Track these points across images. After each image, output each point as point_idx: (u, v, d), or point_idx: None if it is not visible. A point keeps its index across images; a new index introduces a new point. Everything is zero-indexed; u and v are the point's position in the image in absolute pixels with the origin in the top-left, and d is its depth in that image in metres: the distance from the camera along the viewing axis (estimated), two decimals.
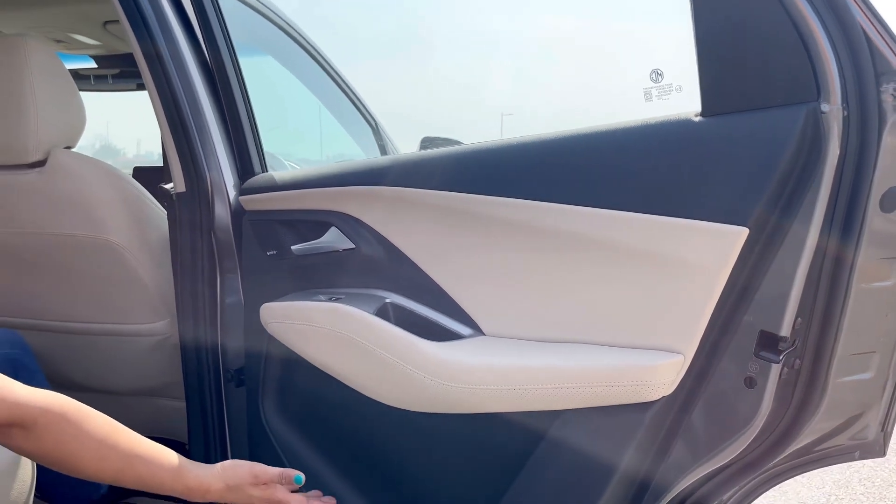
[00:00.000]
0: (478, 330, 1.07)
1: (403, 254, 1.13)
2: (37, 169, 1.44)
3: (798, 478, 1.58)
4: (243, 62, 2.24)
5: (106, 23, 2.07)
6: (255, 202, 1.31)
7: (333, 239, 1.20)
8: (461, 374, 0.99)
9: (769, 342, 0.84)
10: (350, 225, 1.18)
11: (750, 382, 0.85)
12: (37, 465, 1.28)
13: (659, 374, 0.87)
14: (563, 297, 0.96)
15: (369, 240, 1.16)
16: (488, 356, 0.98)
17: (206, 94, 1.41)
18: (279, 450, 1.32)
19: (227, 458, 1.44)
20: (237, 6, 1.90)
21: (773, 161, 0.78)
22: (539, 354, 0.95)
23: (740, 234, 0.80)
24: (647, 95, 0.91)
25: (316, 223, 1.23)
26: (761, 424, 0.86)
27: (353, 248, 1.18)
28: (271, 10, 2.00)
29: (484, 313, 1.05)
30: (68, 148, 1.51)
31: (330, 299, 1.18)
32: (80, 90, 1.80)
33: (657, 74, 0.91)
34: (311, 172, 1.27)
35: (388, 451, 1.24)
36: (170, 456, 0.97)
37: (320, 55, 2.21)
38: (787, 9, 0.76)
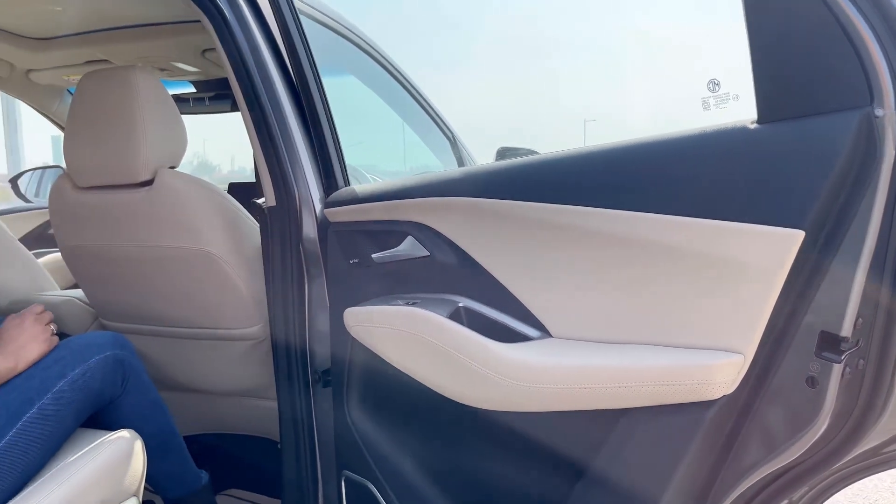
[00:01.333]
0: (546, 332, 1.12)
1: (475, 260, 1.19)
2: (145, 188, 1.59)
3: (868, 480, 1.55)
4: (328, 82, 2.37)
5: (204, 51, 2.24)
6: (338, 214, 1.40)
7: (410, 247, 1.28)
8: (528, 374, 1.04)
9: (830, 342, 0.85)
10: (425, 234, 1.25)
11: (812, 382, 0.87)
12: (147, 456, 1.41)
13: (719, 372, 0.90)
14: (627, 301, 1.00)
15: (443, 248, 1.23)
16: (553, 356, 1.03)
17: (293, 115, 1.52)
18: (363, 448, 1.40)
19: (315, 456, 1.54)
20: (321, 30, 2.03)
21: (828, 166, 0.80)
22: (602, 355, 0.99)
23: (797, 236, 0.83)
24: (705, 105, 0.94)
25: (394, 233, 1.31)
26: (825, 425, 0.87)
27: (428, 256, 1.25)
28: (353, 33, 2.11)
29: (551, 316, 1.10)
30: (172, 168, 1.65)
31: (407, 304, 1.25)
32: (182, 113, 1.96)
33: (714, 84, 0.94)
34: (389, 185, 1.35)
35: (464, 447, 1.30)
36: None
37: (400, 73, 2.31)
38: (836, 16, 0.79)
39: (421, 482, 1.34)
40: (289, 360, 1.53)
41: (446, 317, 1.18)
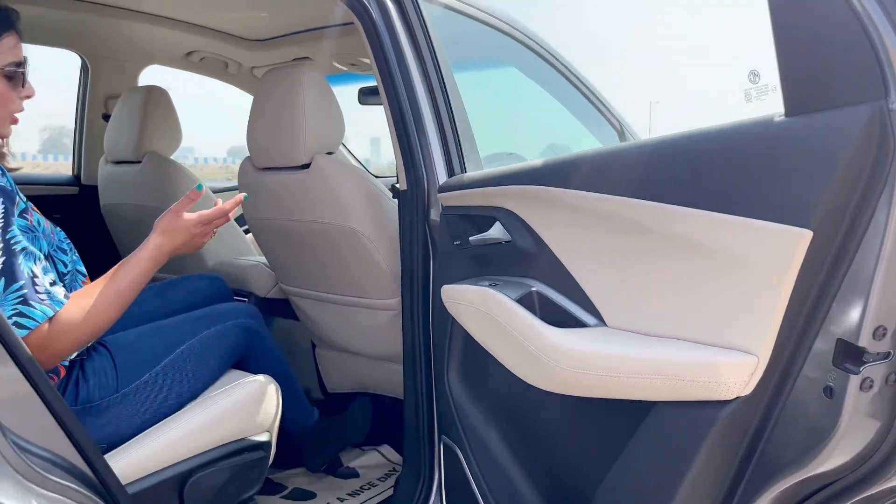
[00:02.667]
0: (602, 321, 1.14)
1: (548, 247, 1.24)
2: (304, 170, 1.83)
3: None
4: (489, 74, 2.49)
5: None
6: (446, 199, 1.52)
7: (497, 232, 1.36)
8: (568, 358, 1.08)
9: (849, 352, 0.79)
10: (509, 220, 1.33)
11: (829, 392, 0.81)
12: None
13: (730, 372, 0.87)
14: (659, 294, 0.99)
15: (523, 233, 1.30)
16: (591, 344, 1.06)
17: (428, 109, 1.65)
18: (456, 416, 1.51)
19: (433, 415, 1.67)
20: (480, 28, 2.14)
21: (834, 161, 0.74)
22: (631, 346, 1.00)
23: (804, 236, 0.78)
24: (747, 96, 0.90)
25: (487, 218, 1.39)
26: (843, 438, 0.81)
27: (510, 241, 1.32)
28: (513, 27, 2.19)
29: (607, 306, 1.12)
30: (329, 153, 1.88)
31: (490, 285, 1.34)
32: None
33: (754, 75, 0.89)
34: (488, 173, 1.44)
35: (541, 427, 1.36)
36: (129, 259, 1.34)
37: (564, 66, 2.34)
38: (853, 8, 0.72)
39: (503, 456, 1.42)
40: (412, 332, 1.68)
41: (518, 299, 1.25)
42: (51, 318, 1.21)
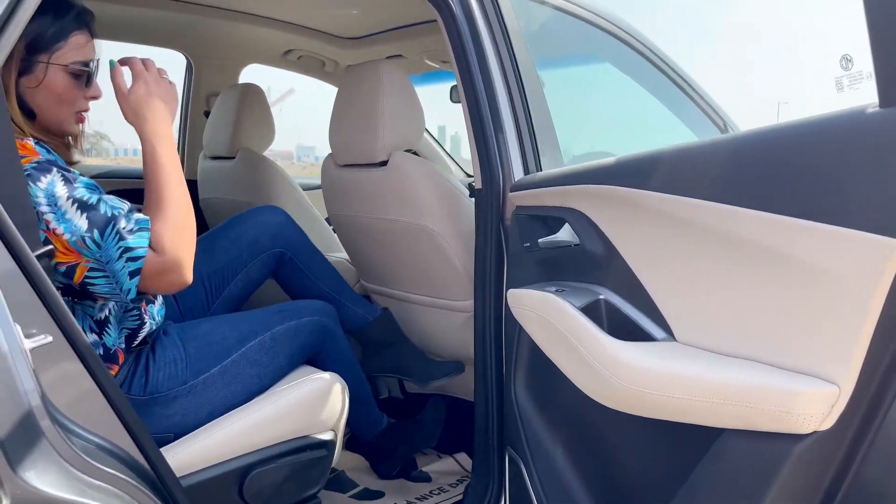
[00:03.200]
0: (671, 335, 1.04)
1: (618, 252, 1.15)
2: (381, 167, 1.81)
3: None
4: (582, 71, 2.39)
5: None
6: (518, 198, 1.45)
7: (566, 234, 1.28)
8: (629, 374, 0.98)
9: None
10: (579, 221, 1.24)
11: None
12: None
13: (806, 402, 0.75)
14: (731, 307, 0.88)
15: (593, 237, 1.21)
16: (656, 360, 0.96)
17: (507, 107, 1.59)
18: (521, 426, 1.44)
19: (503, 422, 1.60)
20: (572, 22, 2.04)
21: None
22: (693, 364, 0.89)
23: (894, 247, 0.66)
24: (839, 85, 0.78)
25: (558, 219, 1.31)
26: None
27: (579, 244, 1.24)
28: (605, 20, 2.08)
29: (677, 320, 1.02)
30: (408, 151, 1.85)
31: (557, 290, 1.26)
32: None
33: (847, 61, 0.77)
34: (560, 171, 1.35)
35: (597, 438, 1.26)
36: (148, 166, 1.29)
37: (664, 61, 2.21)
38: None
39: (567, 472, 1.34)
40: (484, 336, 1.62)
41: (583, 307, 1.17)
42: (150, 247, 1.21)
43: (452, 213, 1.79)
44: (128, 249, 1.18)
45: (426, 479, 2.05)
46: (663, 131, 2.44)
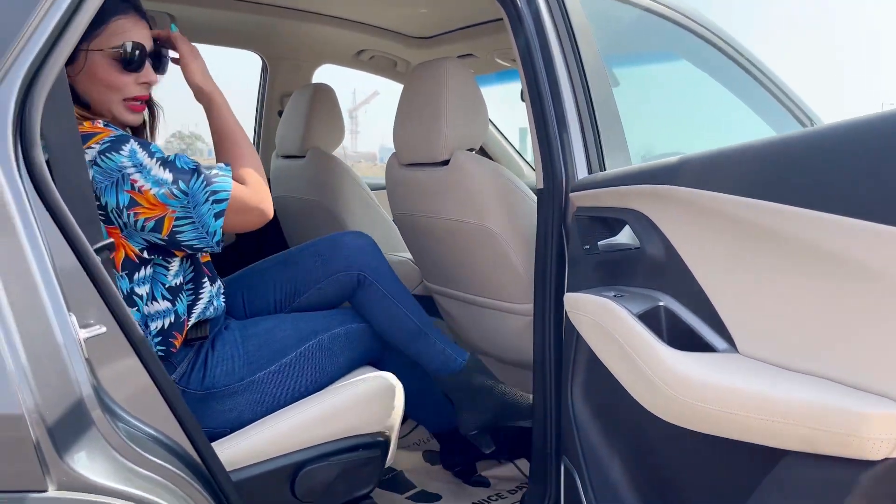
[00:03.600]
0: (733, 346, 0.97)
1: (680, 257, 1.08)
2: (443, 167, 1.79)
3: None
4: (657, 69, 2.30)
5: None
6: (579, 199, 1.40)
7: (626, 237, 1.22)
8: (680, 385, 0.92)
9: None
10: (640, 223, 1.18)
11: None
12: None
13: (873, 424, 0.68)
14: (798, 318, 0.81)
15: (654, 239, 1.15)
16: (714, 373, 0.89)
17: (572, 107, 1.53)
18: (577, 436, 1.39)
19: (560, 430, 1.55)
20: (649, 18, 1.97)
21: None
22: (750, 378, 0.83)
23: None
24: None
25: (618, 221, 1.26)
26: None
27: (639, 248, 1.18)
28: (686, 17, 2.00)
29: (738, 329, 0.95)
30: (471, 150, 1.82)
31: (616, 296, 1.20)
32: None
33: None
34: (620, 171, 1.30)
35: (655, 452, 1.20)
36: (217, 128, 1.43)
37: (746, 57, 2.10)
38: None
39: (622, 487, 1.28)
40: (543, 342, 1.58)
41: (641, 314, 1.11)
42: (233, 188, 1.31)
43: (514, 214, 1.75)
44: (214, 192, 1.28)
45: (485, 483, 2.02)
46: (745, 131, 2.33)
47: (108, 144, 1.24)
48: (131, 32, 1.32)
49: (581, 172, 1.50)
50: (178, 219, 1.27)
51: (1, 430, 0.86)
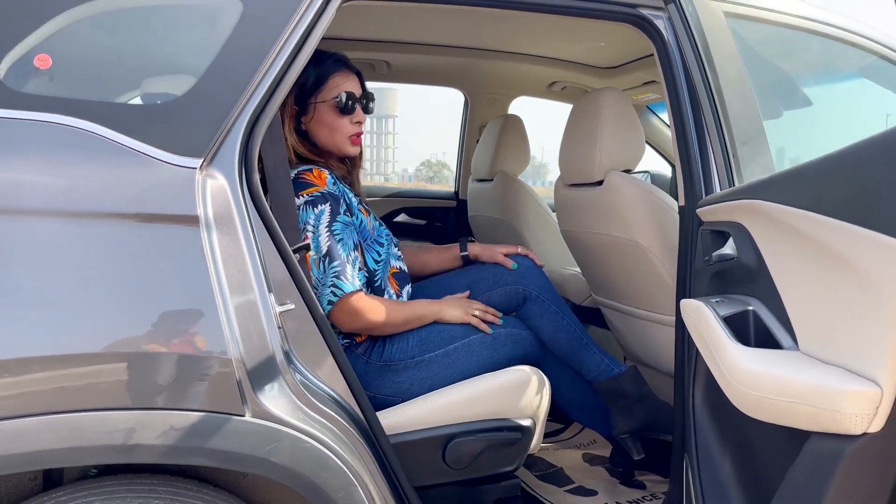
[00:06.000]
0: (796, 345, 1.06)
1: (766, 264, 1.18)
2: (598, 187, 1.97)
3: None
4: (834, 88, 2.29)
5: None
6: (703, 214, 1.51)
7: (729, 247, 1.33)
8: (739, 375, 1.03)
9: None
10: (740, 235, 1.29)
11: None
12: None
13: (850, 401, 0.76)
14: (834, 317, 0.90)
15: (748, 250, 1.25)
16: (757, 363, 1.00)
17: (714, 129, 1.64)
18: (694, 433, 1.49)
19: (684, 431, 1.65)
20: (816, 39, 1.98)
21: None
22: (785, 366, 0.92)
23: None
24: None
25: (725, 233, 1.37)
26: None
27: (737, 257, 1.28)
28: (853, 34, 1.98)
29: (801, 331, 1.04)
30: (627, 171, 1.98)
31: (717, 301, 1.31)
32: None
33: None
34: (736, 188, 1.40)
35: (754, 447, 1.27)
36: (421, 303, 1.80)
37: None
38: None
39: (732, 484, 1.36)
40: (682, 348, 1.69)
41: (728, 316, 1.22)
42: (352, 294, 1.61)
43: (661, 230, 1.87)
44: (336, 286, 1.63)
45: (641, 486, 2.12)
46: None
47: (311, 199, 1.67)
48: (344, 85, 1.74)
49: (718, 190, 1.60)
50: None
51: (215, 370, 1.23)
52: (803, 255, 1.02)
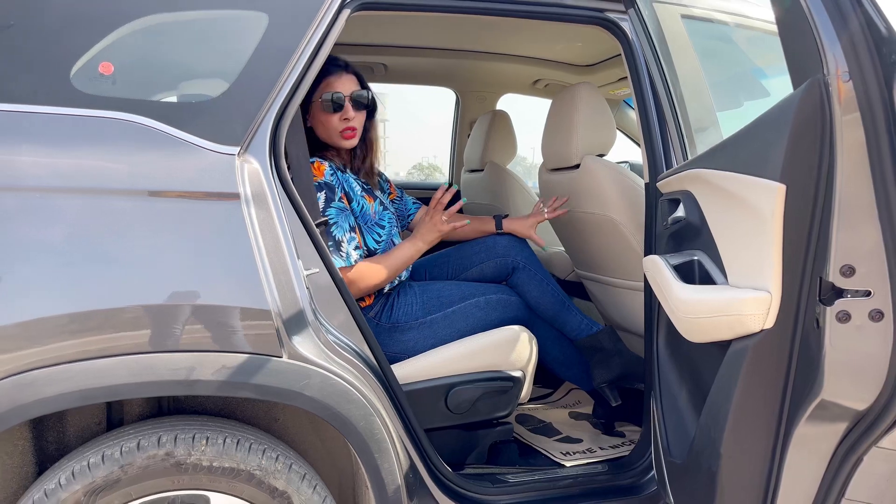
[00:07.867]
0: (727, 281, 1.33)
1: (706, 221, 1.45)
2: (575, 170, 2.24)
3: None
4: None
5: None
6: (661, 186, 1.78)
7: (680, 212, 1.60)
8: (681, 306, 1.30)
9: (824, 288, 0.91)
10: (688, 200, 1.56)
11: (817, 323, 0.93)
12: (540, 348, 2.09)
13: (750, 306, 1.03)
14: (736, 250, 1.17)
15: (694, 212, 1.52)
16: (690, 292, 1.27)
17: (671, 117, 1.92)
18: (657, 372, 1.76)
19: (651, 375, 1.92)
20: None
21: (785, 124, 0.90)
22: (714, 293, 1.19)
23: (779, 189, 0.93)
24: None
25: (677, 200, 1.64)
26: (832, 363, 0.92)
27: (685, 218, 1.55)
28: None
29: (729, 269, 1.31)
30: (600, 156, 2.25)
31: (669, 256, 1.58)
32: None
33: None
34: (685, 163, 1.67)
35: (699, 371, 1.54)
36: (402, 246, 2.02)
37: None
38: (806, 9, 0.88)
39: (686, 409, 1.63)
40: (650, 307, 1.96)
41: (677, 265, 1.49)
42: (343, 269, 1.87)
43: (632, 205, 2.14)
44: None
45: (620, 435, 2.39)
46: None
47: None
48: (335, 85, 1.99)
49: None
50: None
51: (259, 321, 1.49)
52: (728, 207, 1.28)
